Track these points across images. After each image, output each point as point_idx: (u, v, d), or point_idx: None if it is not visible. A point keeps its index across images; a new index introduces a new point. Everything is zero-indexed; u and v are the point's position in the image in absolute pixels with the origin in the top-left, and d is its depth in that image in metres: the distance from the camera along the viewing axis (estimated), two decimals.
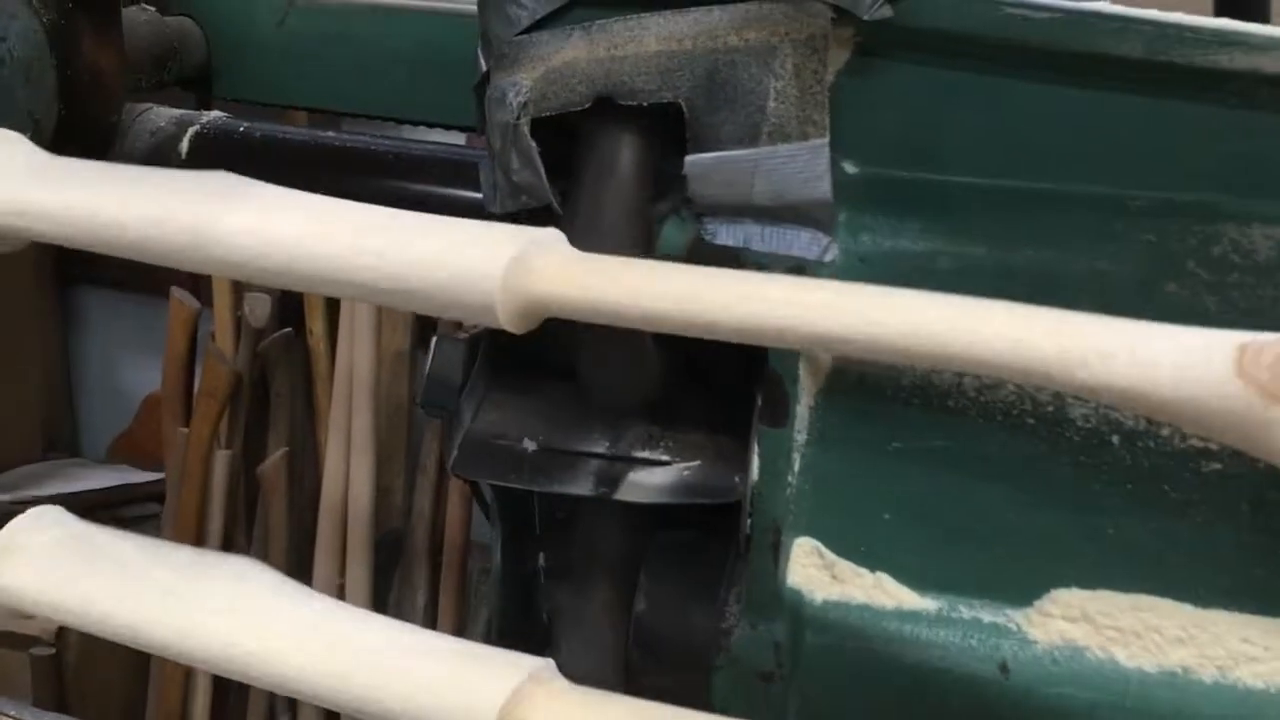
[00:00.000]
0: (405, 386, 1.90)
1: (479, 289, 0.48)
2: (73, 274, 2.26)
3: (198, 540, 1.79)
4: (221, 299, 1.84)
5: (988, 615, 0.60)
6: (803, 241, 0.56)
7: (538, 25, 0.56)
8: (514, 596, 0.72)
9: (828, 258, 0.56)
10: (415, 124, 1.04)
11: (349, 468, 1.83)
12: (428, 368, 0.77)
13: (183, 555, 0.59)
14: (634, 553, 0.64)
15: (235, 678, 0.53)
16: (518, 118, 0.56)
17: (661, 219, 0.58)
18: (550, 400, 0.64)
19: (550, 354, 0.63)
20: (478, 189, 0.89)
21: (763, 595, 0.62)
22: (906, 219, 0.57)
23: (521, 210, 0.60)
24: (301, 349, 1.84)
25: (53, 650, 1.73)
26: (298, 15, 1.03)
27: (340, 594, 1.84)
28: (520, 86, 0.56)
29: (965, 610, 0.61)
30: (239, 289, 1.82)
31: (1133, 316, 0.43)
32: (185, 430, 1.81)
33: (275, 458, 1.81)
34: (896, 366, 0.59)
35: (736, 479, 0.59)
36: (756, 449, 0.59)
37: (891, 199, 0.57)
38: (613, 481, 0.61)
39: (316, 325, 1.83)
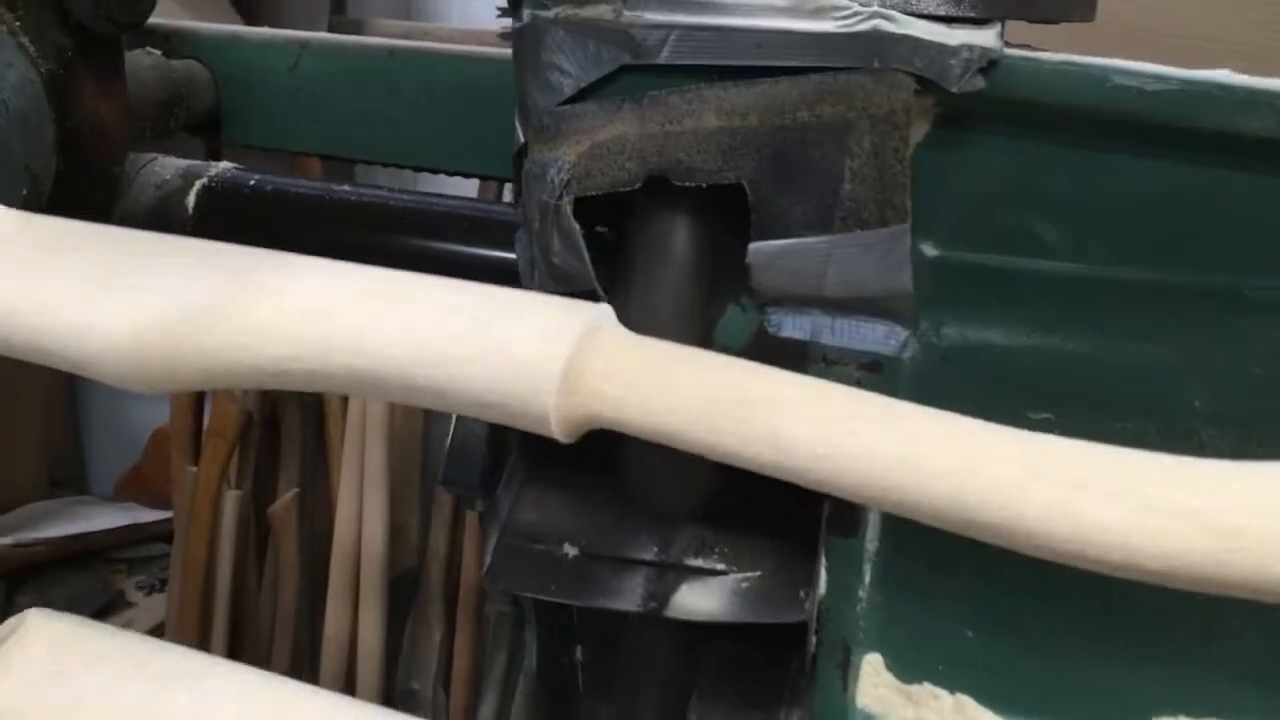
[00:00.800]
0: (419, 422, 1.86)
1: (532, 404, 0.42)
2: None
3: (207, 581, 1.75)
4: None
5: None
6: (878, 335, 0.50)
7: (582, 94, 0.50)
8: (551, 699, 0.66)
9: (906, 354, 0.50)
10: (433, 171, 0.98)
11: (362, 506, 1.79)
12: (449, 441, 0.71)
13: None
14: (685, 668, 0.58)
15: None
16: (559, 197, 0.50)
17: (720, 306, 0.52)
18: (592, 497, 0.58)
19: (591, 446, 0.57)
20: (500, 247, 0.83)
21: (826, 718, 0.56)
22: (992, 309, 0.51)
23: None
24: None
25: None
26: (311, 58, 0.98)
27: (353, 636, 1.80)
28: (562, 163, 0.50)
29: None
30: None
31: (1257, 427, 0.37)
32: (194, 469, 1.77)
33: (286, 498, 1.77)
34: None
35: (802, 594, 0.53)
36: (824, 561, 0.53)
37: (976, 286, 0.51)
38: (662, 595, 0.55)
39: None
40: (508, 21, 0.56)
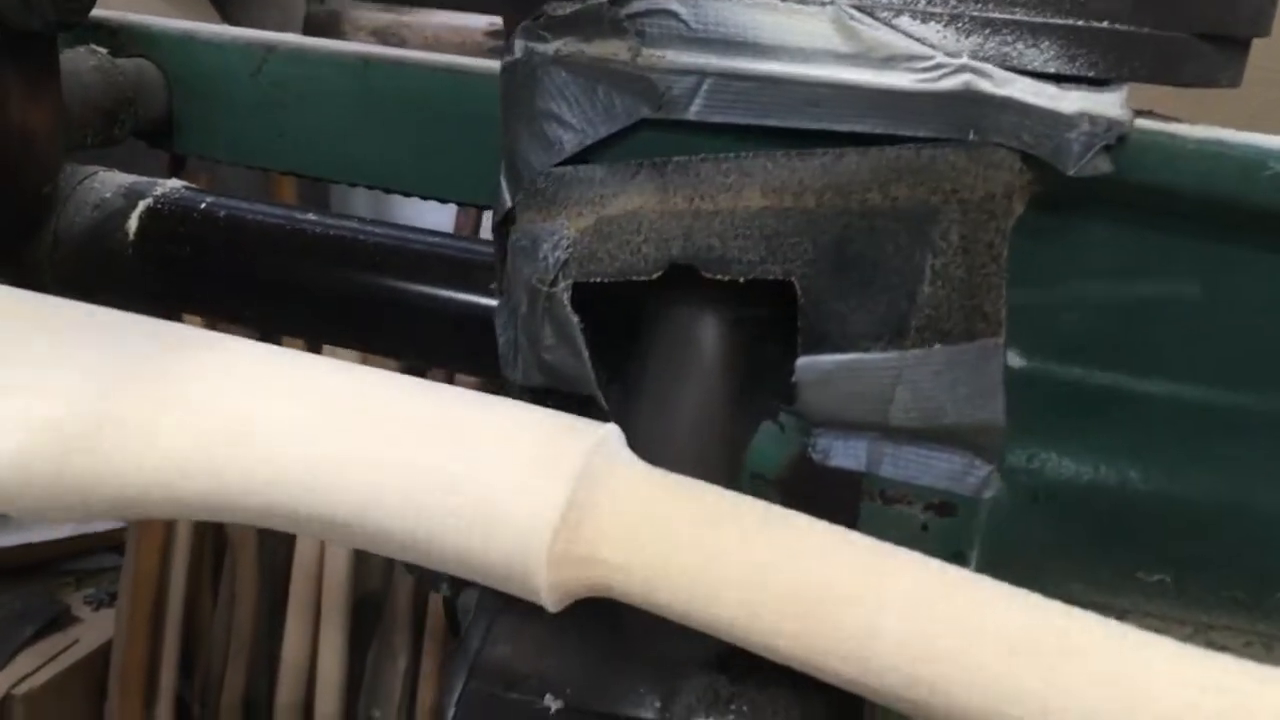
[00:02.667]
0: None
1: (519, 573, 0.33)
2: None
3: (158, 598, 1.67)
4: None
5: None
6: (953, 468, 0.39)
7: (587, 153, 0.40)
8: None
9: (987, 493, 0.40)
10: (405, 194, 0.88)
11: None
12: None
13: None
14: None
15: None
16: (554, 282, 0.40)
17: (753, 425, 0.41)
18: (582, 633, 0.48)
19: None
20: (486, 292, 0.73)
21: None
22: (1096, 440, 0.40)
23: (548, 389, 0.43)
24: None
25: None
26: (276, 63, 0.87)
27: (313, 661, 1.72)
28: (560, 238, 0.40)
29: None
30: None
31: None
32: None
33: None
34: None
35: None
36: None
37: (1076, 410, 0.41)
38: None
39: None
40: (497, 21, 0.45)
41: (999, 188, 0.37)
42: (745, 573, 0.32)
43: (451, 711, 0.46)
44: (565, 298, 0.40)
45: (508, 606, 0.50)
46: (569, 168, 0.40)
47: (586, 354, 0.41)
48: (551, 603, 0.35)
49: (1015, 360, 0.41)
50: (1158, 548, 0.39)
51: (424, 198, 0.89)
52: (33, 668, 1.69)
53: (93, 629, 1.85)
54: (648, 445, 0.38)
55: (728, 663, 0.47)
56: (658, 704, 0.46)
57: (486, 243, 0.79)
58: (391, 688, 1.78)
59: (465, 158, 0.82)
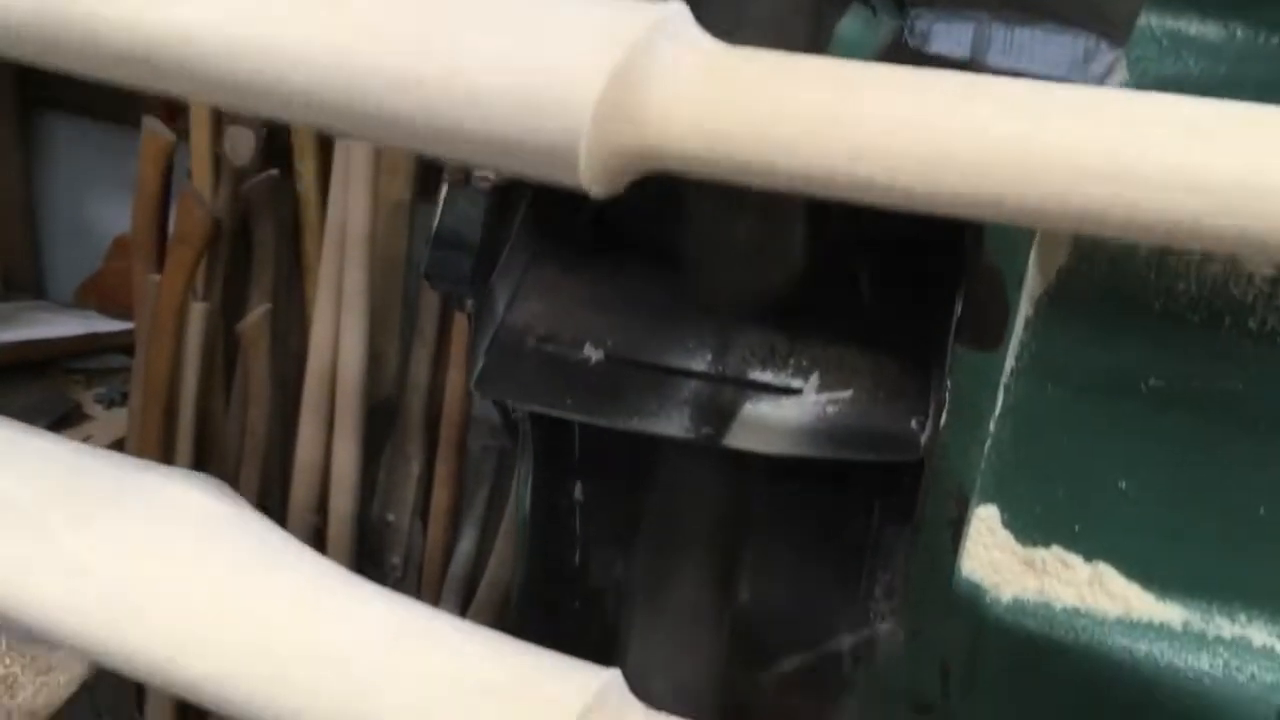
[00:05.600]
0: (404, 241, 1.74)
1: (556, 136, 0.27)
2: (36, 96, 2.03)
3: (170, 399, 1.65)
4: (199, 131, 1.65)
5: (1264, 636, 0.41)
6: (1073, 54, 0.34)
7: None
8: (542, 547, 0.52)
9: (1115, 79, 0.34)
10: None
11: (338, 330, 1.68)
12: (435, 227, 0.55)
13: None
14: (736, 518, 0.43)
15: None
16: None
17: (841, 5, 0.35)
18: (624, 282, 0.43)
19: (626, 210, 0.42)
20: None
21: (929, 589, 0.42)
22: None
23: None
24: (289, 193, 1.68)
25: None
26: None
27: (326, 464, 1.72)
28: None
29: (1229, 626, 0.41)
30: (219, 120, 1.63)
31: None
32: (157, 278, 1.64)
33: (256, 314, 1.66)
34: (1174, 265, 0.38)
35: (914, 423, 0.38)
36: (948, 381, 0.38)
37: None
38: (719, 418, 0.40)
39: (306, 167, 1.67)
40: None
41: None
42: (820, 110, 0.27)
43: (480, 361, 0.42)
44: None
45: (539, 260, 0.45)
46: None
47: None
48: (596, 182, 0.29)
49: None
50: None
51: None
52: None
53: (105, 426, 1.85)
54: (718, 29, 0.32)
55: (789, 315, 0.42)
56: (709, 356, 0.41)
57: None
58: (405, 491, 1.78)
59: None
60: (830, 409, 0.40)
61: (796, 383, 0.40)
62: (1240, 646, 0.41)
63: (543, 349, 0.42)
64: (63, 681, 0.64)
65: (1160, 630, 0.41)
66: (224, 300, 1.70)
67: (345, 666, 0.30)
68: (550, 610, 0.47)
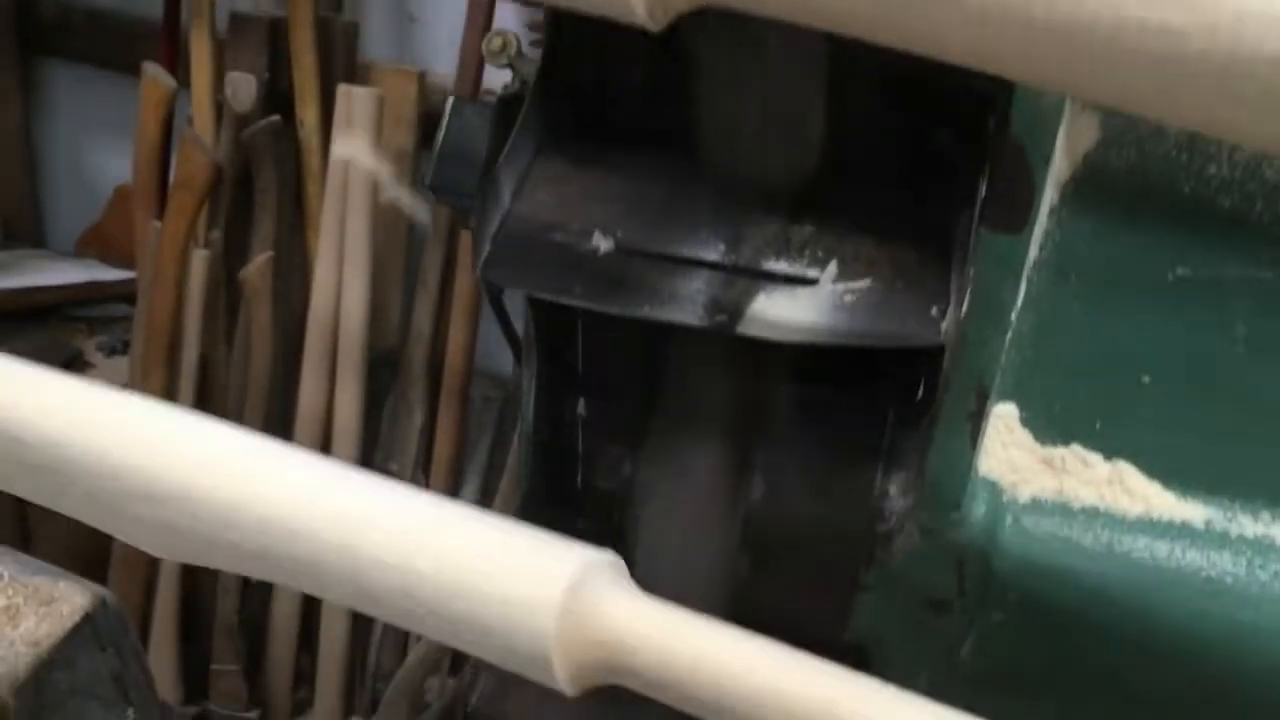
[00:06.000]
0: (407, 189, 1.71)
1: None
2: (36, 42, 2.01)
3: (172, 346, 1.64)
4: (200, 77, 1.64)
5: None
6: None
7: None
8: (543, 466, 0.51)
9: None
10: None
11: (341, 278, 1.67)
12: (440, 136, 0.54)
13: None
14: (749, 414, 0.42)
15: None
16: None
17: None
18: (634, 174, 0.42)
19: (637, 98, 0.40)
20: None
21: (945, 488, 0.41)
22: None
23: None
24: (291, 140, 1.67)
25: None
26: None
27: (329, 413, 1.72)
28: None
29: (1252, 524, 0.40)
30: (220, 66, 1.62)
31: None
32: (158, 225, 1.62)
33: (259, 261, 1.65)
34: (1205, 146, 0.36)
35: (934, 310, 0.37)
36: (970, 269, 0.37)
37: None
38: (733, 307, 0.39)
39: (309, 114, 1.66)
40: None
41: None
42: None
43: (486, 248, 0.41)
44: None
45: (546, 149, 0.43)
46: None
47: None
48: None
49: None
50: None
51: None
52: None
53: (106, 374, 1.84)
54: None
55: (804, 203, 0.41)
56: (722, 246, 0.40)
57: None
58: (408, 441, 1.78)
59: None
60: (848, 298, 0.38)
61: (813, 272, 0.39)
62: (1263, 545, 0.40)
63: (551, 238, 0.41)
64: (65, 612, 0.64)
65: (1181, 529, 0.40)
66: (226, 248, 1.68)
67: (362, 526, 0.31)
68: (555, 512, 0.46)
